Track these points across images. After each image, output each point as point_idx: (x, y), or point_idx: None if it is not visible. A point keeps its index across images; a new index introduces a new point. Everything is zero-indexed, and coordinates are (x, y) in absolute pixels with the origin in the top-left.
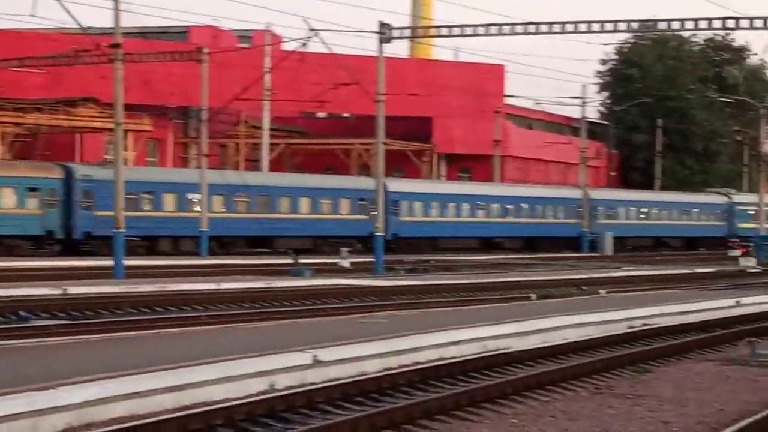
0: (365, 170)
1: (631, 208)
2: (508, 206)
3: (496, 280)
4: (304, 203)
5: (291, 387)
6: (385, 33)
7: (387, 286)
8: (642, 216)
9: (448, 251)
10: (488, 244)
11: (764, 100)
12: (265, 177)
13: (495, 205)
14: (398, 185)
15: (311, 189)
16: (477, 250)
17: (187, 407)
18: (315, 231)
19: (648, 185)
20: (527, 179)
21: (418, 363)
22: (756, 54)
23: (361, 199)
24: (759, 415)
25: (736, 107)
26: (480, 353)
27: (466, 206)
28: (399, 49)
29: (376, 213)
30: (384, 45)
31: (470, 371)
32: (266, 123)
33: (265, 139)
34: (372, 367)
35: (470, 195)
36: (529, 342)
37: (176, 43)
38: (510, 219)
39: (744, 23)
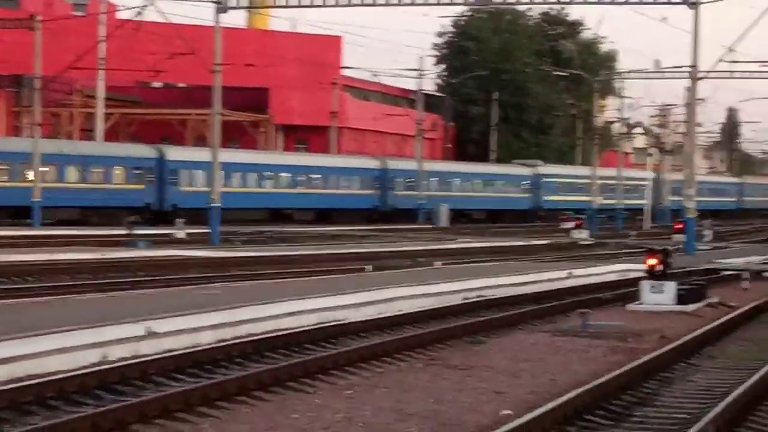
0: (201, 141)
1: (431, 179)
2: (298, 176)
3: (332, 251)
4: (72, 172)
5: (124, 359)
6: (221, 3)
7: (223, 257)
8: (445, 187)
9: (234, 223)
10: (277, 215)
11: (598, 74)
12: (25, 143)
13: (284, 175)
14: (178, 153)
15: (79, 156)
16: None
17: (19, 379)
18: (84, 201)
19: (484, 158)
20: (363, 150)
21: (253, 334)
22: (590, 28)
23: (137, 168)
24: (588, 385)
25: (570, 81)
26: (316, 324)
27: (252, 176)
28: (236, 19)
29: (152, 182)
30: (221, 15)
31: (306, 342)
32: (101, 92)
33: (100, 109)
34: (207, 339)
35: (256, 164)
36: (365, 313)
37: (7, 11)
38: (300, 189)
39: None
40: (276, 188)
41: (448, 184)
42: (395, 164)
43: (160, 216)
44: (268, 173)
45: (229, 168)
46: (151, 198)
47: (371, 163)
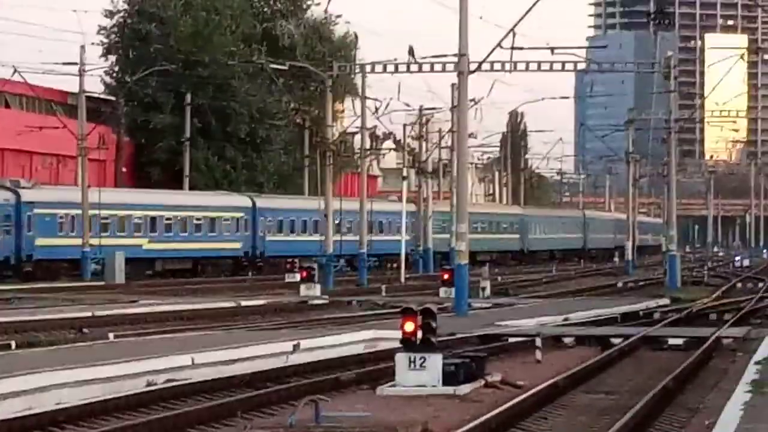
0: None
1: None
2: None
3: None
4: None
5: None
6: None
7: None
8: None
9: None
10: None
11: (331, 66)
12: None
13: None
14: None
15: None
16: None
17: None
18: None
19: (175, 184)
20: (3, 176)
21: None
22: (318, 4)
23: None
24: None
25: (293, 77)
26: None
27: None
28: None
29: None
30: None
31: None
32: None
33: None
34: None
35: None
36: (5, 410)
37: None
38: None
39: None
40: None
41: None
42: None
43: None
44: None
45: None
46: None
47: None
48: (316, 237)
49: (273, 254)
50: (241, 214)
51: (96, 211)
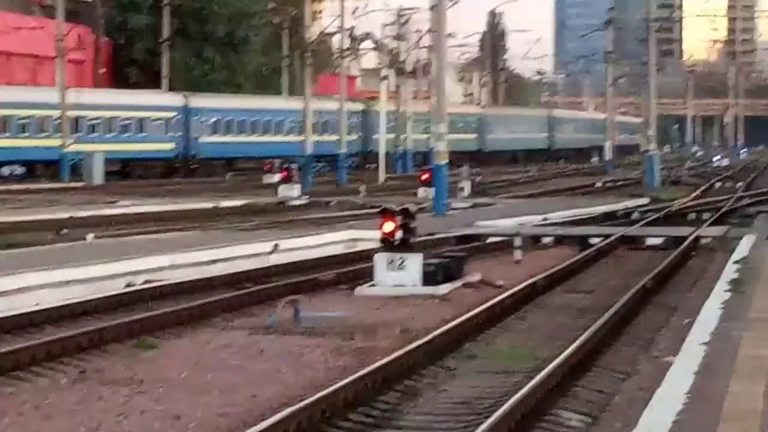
0: None
1: None
2: None
3: None
4: None
5: None
6: None
7: None
8: None
9: None
10: None
11: None
12: None
13: None
14: None
15: None
16: None
17: None
18: None
19: (153, 85)
20: None
21: None
22: None
23: None
24: (303, 403)
25: None
26: None
27: None
28: None
29: None
30: None
31: None
32: None
33: None
34: None
35: None
36: None
37: None
38: None
39: None
40: None
41: None
42: None
43: None
44: None
45: None
46: None
47: None
48: (257, 138)
49: (208, 156)
50: (173, 114)
51: (15, 111)
